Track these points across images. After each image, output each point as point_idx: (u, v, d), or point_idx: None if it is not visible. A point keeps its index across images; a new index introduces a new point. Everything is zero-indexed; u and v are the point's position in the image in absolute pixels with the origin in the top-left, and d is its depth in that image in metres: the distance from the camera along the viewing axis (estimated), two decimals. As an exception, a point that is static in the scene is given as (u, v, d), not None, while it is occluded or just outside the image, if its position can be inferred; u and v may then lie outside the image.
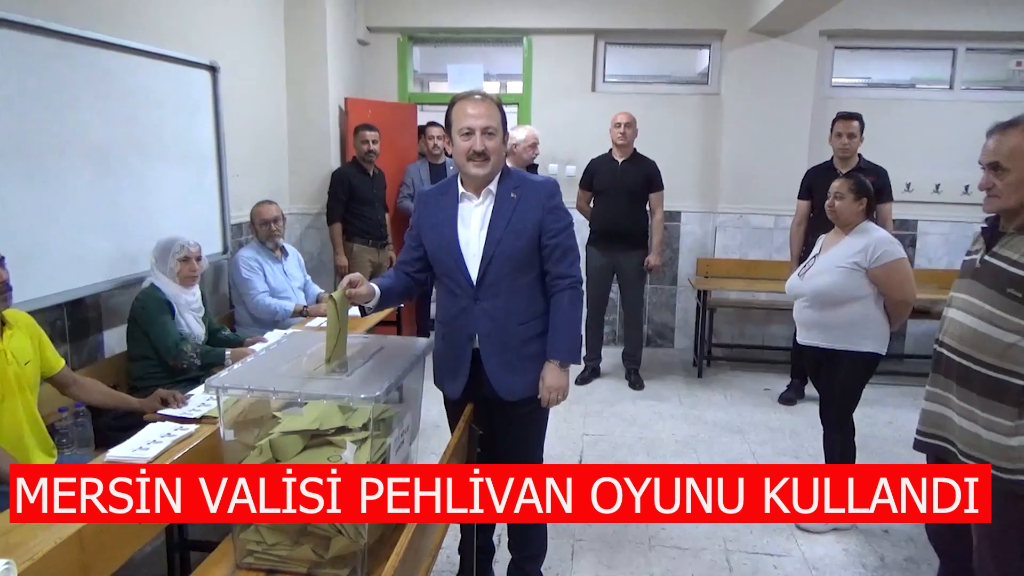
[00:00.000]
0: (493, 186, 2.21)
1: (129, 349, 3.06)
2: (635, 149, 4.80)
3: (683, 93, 5.74)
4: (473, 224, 2.22)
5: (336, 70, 5.14)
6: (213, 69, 3.84)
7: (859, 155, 4.37)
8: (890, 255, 2.91)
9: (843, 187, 3.06)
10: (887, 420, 4.28)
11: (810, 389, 4.44)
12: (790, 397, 4.64)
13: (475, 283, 2.21)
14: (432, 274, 2.36)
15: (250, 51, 4.47)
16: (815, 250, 3.22)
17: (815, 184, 4.44)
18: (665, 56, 6.02)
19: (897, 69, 5.81)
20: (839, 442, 3.07)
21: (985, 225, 2.03)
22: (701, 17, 5.47)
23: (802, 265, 3.21)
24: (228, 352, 3.06)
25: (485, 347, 2.25)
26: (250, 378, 1.87)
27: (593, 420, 4.25)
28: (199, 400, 2.49)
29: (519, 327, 2.23)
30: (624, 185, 4.72)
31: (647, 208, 4.83)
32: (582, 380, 4.91)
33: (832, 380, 3.07)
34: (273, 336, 3.39)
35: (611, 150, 4.82)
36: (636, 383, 4.85)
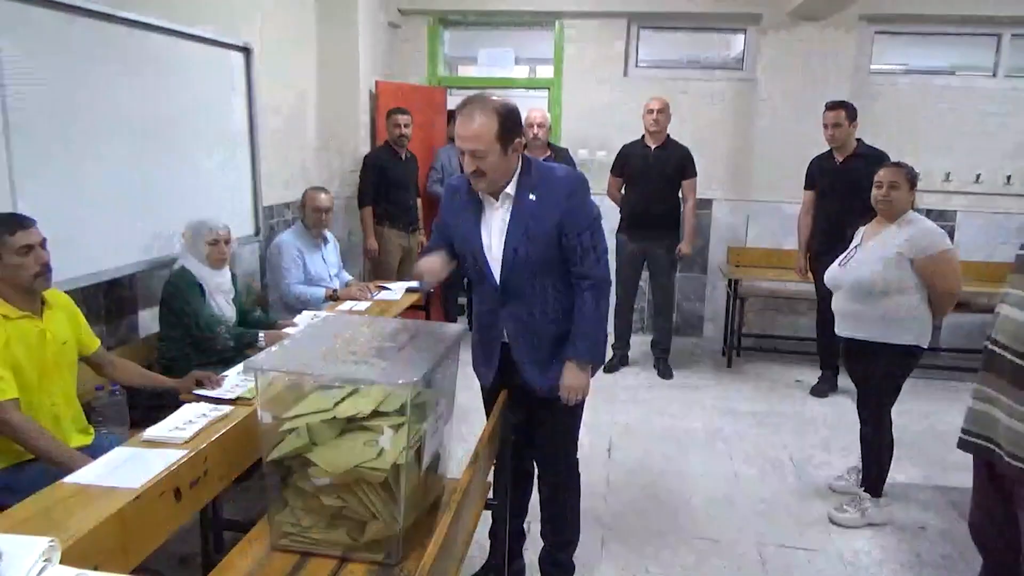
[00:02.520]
0: (511, 188, 2.15)
1: (161, 330, 3.09)
2: (668, 135, 4.73)
3: (717, 79, 5.64)
4: (495, 228, 2.19)
5: (367, 53, 5.12)
6: (247, 51, 3.83)
7: (858, 140, 4.35)
8: (937, 246, 2.84)
9: (899, 176, 2.96)
10: (923, 415, 4.20)
11: (844, 381, 4.41)
12: (823, 389, 4.57)
13: (498, 287, 2.20)
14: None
15: (282, 33, 4.46)
16: (855, 240, 3.15)
17: (816, 173, 4.53)
18: (699, 41, 5.91)
19: (936, 55, 5.66)
20: (876, 436, 3.01)
21: None
22: (737, 0, 5.36)
23: (843, 255, 3.14)
24: (262, 334, 3.07)
25: (515, 345, 2.25)
26: (288, 361, 1.87)
27: (621, 409, 4.22)
28: (233, 381, 2.49)
29: (548, 325, 2.22)
30: (656, 172, 4.66)
31: (679, 195, 4.76)
32: (610, 368, 4.87)
33: (870, 373, 3.01)
34: (303, 319, 3.41)
35: (643, 136, 4.75)
36: (665, 372, 4.81)
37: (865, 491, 3.03)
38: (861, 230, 3.17)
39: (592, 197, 2.25)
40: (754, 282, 5.31)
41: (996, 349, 1.96)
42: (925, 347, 2.95)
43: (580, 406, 2.37)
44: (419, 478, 1.95)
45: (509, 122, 2.06)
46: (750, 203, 5.52)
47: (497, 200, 2.17)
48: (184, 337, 3.01)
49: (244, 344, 3.04)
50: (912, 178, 2.97)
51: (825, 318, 4.52)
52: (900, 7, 5.21)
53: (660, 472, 3.42)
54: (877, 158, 4.18)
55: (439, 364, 1.92)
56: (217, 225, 3.11)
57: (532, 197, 2.13)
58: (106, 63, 2.85)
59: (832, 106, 4.33)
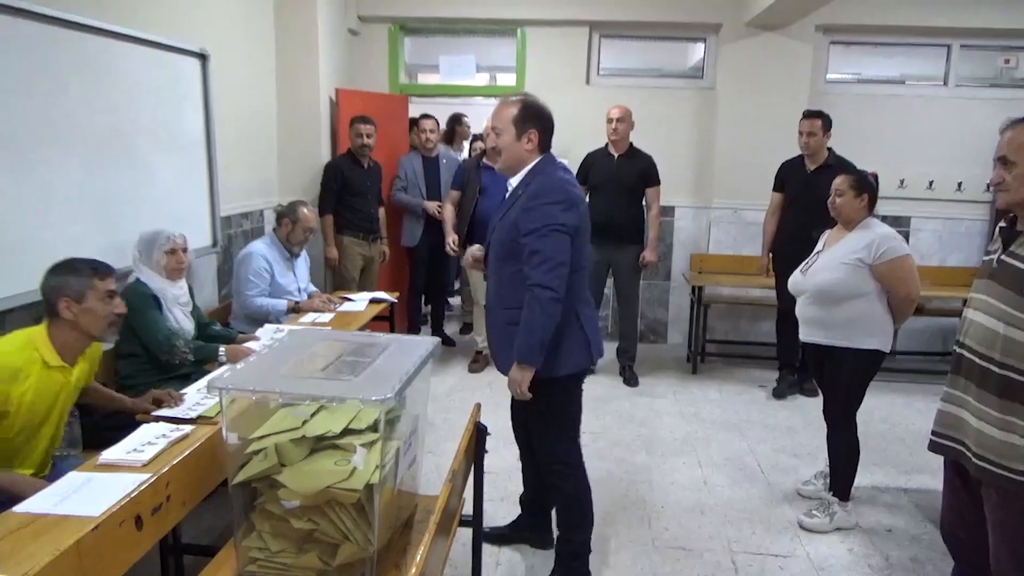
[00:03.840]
0: (515, 180, 2.39)
1: (117, 347, 2.96)
2: (631, 143, 4.74)
3: (678, 87, 5.69)
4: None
5: (327, 60, 5.03)
6: (203, 57, 3.73)
7: (829, 150, 4.46)
8: (894, 251, 2.89)
9: (843, 184, 3.03)
10: (882, 417, 4.27)
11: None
12: (782, 390, 4.66)
13: (487, 262, 2.50)
14: None
15: (239, 39, 4.35)
16: (818, 246, 3.19)
17: (787, 177, 4.60)
18: (658, 49, 5.97)
19: (888, 65, 5.80)
20: (843, 440, 3.04)
21: (1004, 224, 2.00)
22: (697, 10, 5.42)
23: (804, 262, 3.18)
24: (222, 348, 2.97)
25: (488, 319, 2.53)
26: (253, 378, 1.80)
27: (589, 417, 4.14)
28: (193, 399, 2.40)
29: (502, 311, 2.39)
30: (620, 180, 4.67)
31: (643, 203, 4.78)
32: (576, 376, 4.85)
33: (835, 378, 3.04)
34: (265, 332, 3.31)
35: (607, 144, 4.76)
36: (631, 379, 4.81)
37: (833, 495, 3.06)
38: (826, 234, 3.21)
39: (567, 211, 2.26)
40: (717, 288, 5.36)
41: (964, 352, 1.98)
42: (887, 351, 2.99)
43: (552, 407, 2.45)
44: (392, 497, 1.89)
45: (527, 113, 2.32)
46: (711, 210, 5.58)
47: (510, 188, 2.44)
48: (142, 354, 2.89)
49: (203, 359, 2.93)
50: (859, 185, 3.01)
51: (784, 320, 4.67)
52: (855, 18, 5.32)
53: (630, 482, 3.40)
54: (847, 169, 4.21)
55: (413, 378, 1.87)
56: (174, 234, 3.00)
57: (520, 192, 2.34)
58: (56, 68, 2.73)
59: (809, 115, 4.41)
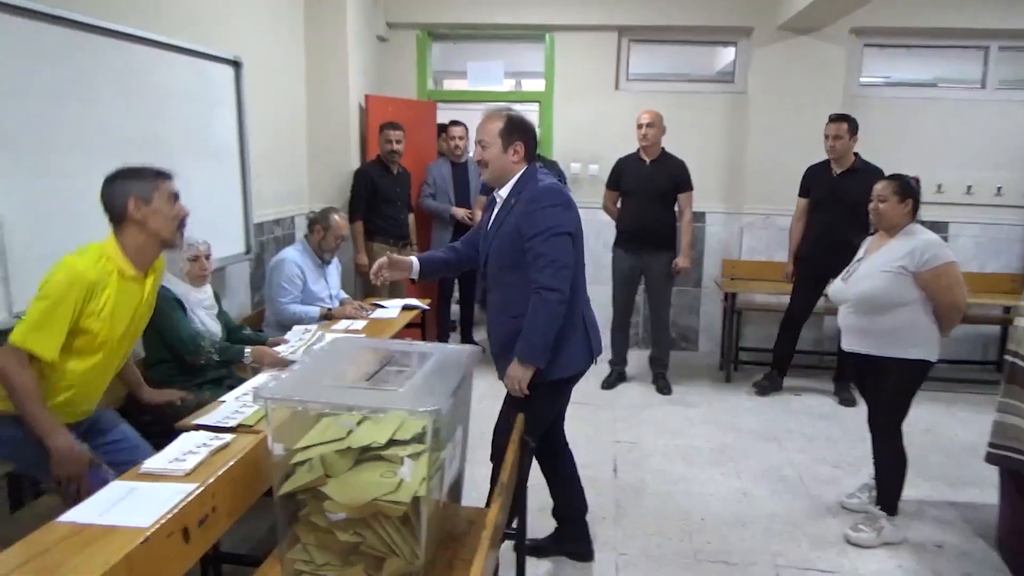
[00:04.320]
0: (504, 191, 2.43)
1: (146, 354, 2.95)
2: (663, 148, 4.68)
3: (708, 91, 5.62)
4: (489, 223, 2.50)
5: (356, 66, 5.03)
6: (236, 64, 3.73)
7: (855, 154, 4.41)
8: (939, 258, 2.80)
9: (886, 189, 2.94)
10: (924, 428, 4.16)
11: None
12: (765, 387, 4.74)
13: (484, 275, 2.52)
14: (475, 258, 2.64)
15: (270, 47, 4.36)
16: (859, 253, 3.12)
17: (812, 182, 4.56)
18: (686, 54, 5.91)
19: (922, 68, 5.70)
20: (889, 452, 2.96)
21: None
22: (728, 14, 5.36)
23: (845, 270, 3.11)
24: (248, 350, 2.94)
25: (489, 330, 2.55)
26: (298, 388, 1.77)
27: (623, 426, 4.14)
28: (232, 408, 2.38)
29: (511, 320, 2.39)
30: (652, 185, 4.61)
31: (675, 209, 4.72)
32: (608, 385, 4.80)
33: (880, 388, 2.96)
34: (293, 334, 3.28)
35: (638, 150, 4.71)
36: (664, 388, 4.74)
37: (880, 509, 2.97)
38: (867, 241, 3.13)
39: (566, 211, 2.34)
40: (749, 295, 5.27)
41: (1017, 361, 1.91)
42: (935, 360, 2.91)
43: (527, 401, 2.40)
44: (438, 509, 1.85)
45: (512, 126, 2.39)
46: (743, 215, 5.49)
47: (499, 200, 2.46)
48: (170, 359, 2.88)
49: (228, 360, 2.91)
50: (902, 191, 2.92)
51: (788, 324, 4.73)
52: (890, 20, 5.23)
53: (668, 493, 3.34)
54: (873, 173, 4.24)
55: (459, 389, 1.83)
56: (197, 240, 2.98)
57: (513, 201, 2.38)
58: (91, 75, 2.73)
59: (835, 118, 4.37)
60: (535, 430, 2.46)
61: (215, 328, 3.05)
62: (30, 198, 2.46)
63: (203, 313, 3.01)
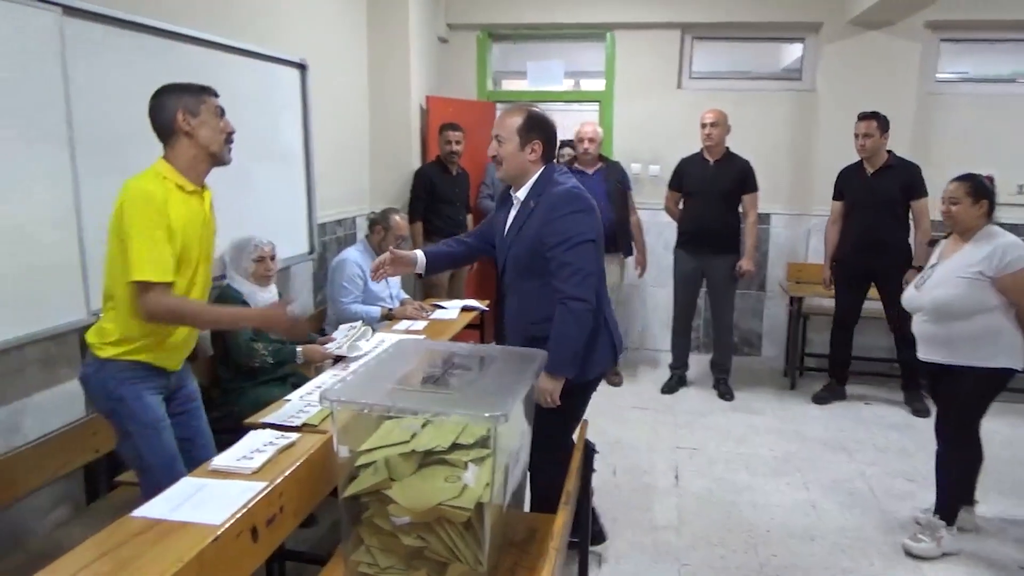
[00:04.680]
0: (522, 193, 2.35)
1: (214, 350, 3.01)
2: (727, 148, 4.57)
3: (774, 89, 5.47)
4: (506, 226, 2.43)
5: (417, 68, 5.06)
6: (302, 67, 3.78)
7: (889, 152, 4.27)
8: (1021, 261, 2.65)
9: (958, 191, 2.79)
10: (1004, 441, 3.95)
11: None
12: (824, 396, 4.57)
13: (501, 278, 2.46)
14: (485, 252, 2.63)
15: (334, 49, 4.42)
16: (932, 259, 2.97)
17: (845, 184, 4.45)
18: (750, 51, 5.76)
19: (1001, 62, 5.42)
20: (955, 460, 2.85)
21: None
22: (796, 9, 5.20)
23: (919, 276, 2.97)
24: (299, 349, 2.99)
25: (506, 334, 2.48)
26: (364, 391, 1.77)
27: (685, 432, 4.05)
28: (296, 407, 2.41)
29: (529, 326, 2.34)
30: (715, 186, 4.51)
31: (739, 210, 4.60)
32: (668, 389, 4.71)
33: (952, 393, 2.83)
34: (340, 332, 3.29)
35: (702, 150, 4.61)
36: (726, 393, 4.63)
37: (939, 518, 2.85)
38: (941, 244, 2.98)
39: (588, 217, 2.26)
40: (816, 299, 5.10)
41: None
42: (1020, 369, 2.76)
43: (569, 403, 2.33)
44: (501, 515, 1.83)
45: (531, 123, 2.31)
46: (811, 217, 5.32)
47: (514, 201, 2.39)
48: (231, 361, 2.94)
49: (282, 360, 2.96)
50: (976, 191, 2.77)
51: (839, 329, 4.59)
52: (967, 13, 4.99)
53: (732, 502, 3.25)
54: (908, 169, 4.24)
55: (524, 393, 1.81)
56: (262, 241, 3.04)
57: (532, 204, 2.31)
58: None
59: (864, 116, 4.26)
60: (567, 433, 2.44)
61: None
62: (107, 198, 2.52)
63: None
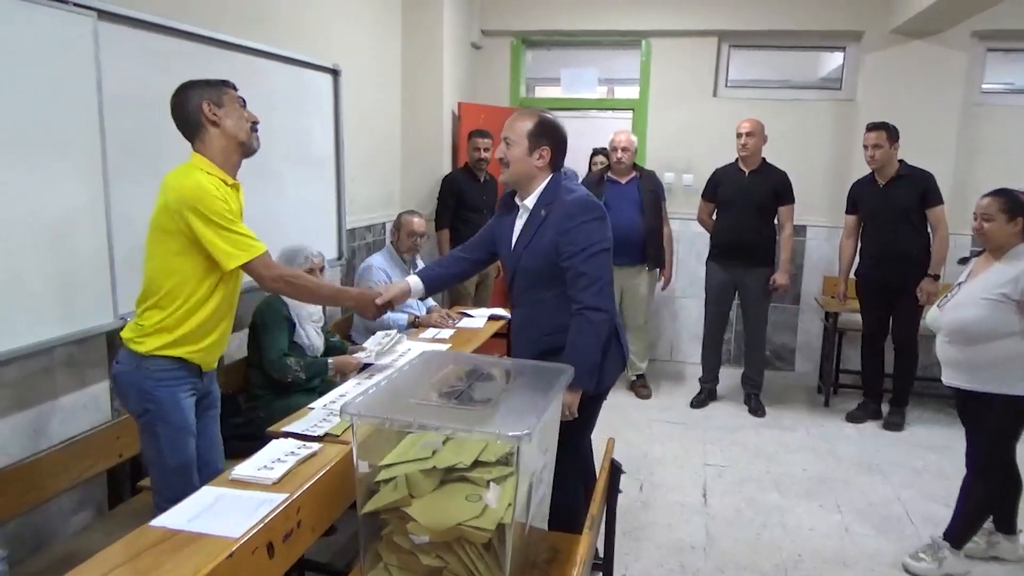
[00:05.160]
0: (530, 201, 2.29)
1: (248, 355, 3.02)
2: (764, 159, 4.48)
3: (812, 99, 5.36)
4: (514, 234, 2.36)
5: (450, 74, 5.05)
6: (335, 72, 3.79)
7: (900, 161, 4.20)
8: None
9: (991, 206, 2.66)
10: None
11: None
12: (859, 415, 4.44)
13: (510, 289, 2.40)
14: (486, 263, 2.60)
15: (367, 55, 4.42)
16: (961, 276, 2.84)
17: (858, 197, 4.38)
18: (788, 59, 5.64)
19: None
20: (982, 491, 2.73)
21: None
22: (837, 18, 5.09)
23: (944, 294, 2.84)
24: (331, 361, 2.97)
25: (515, 344, 2.43)
26: (385, 405, 1.74)
27: (714, 449, 3.96)
28: (319, 415, 2.38)
29: (543, 337, 2.29)
30: (751, 197, 4.42)
31: (775, 222, 4.50)
32: (698, 403, 4.62)
33: (980, 422, 2.71)
34: (372, 341, 3.27)
35: (737, 160, 4.52)
36: (757, 409, 4.53)
37: (945, 539, 2.77)
38: (972, 262, 2.85)
39: (603, 225, 2.22)
40: (852, 315, 4.97)
41: None
42: None
43: (585, 414, 2.30)
44: (523, 536, 1.78)
45: (542, 128, 2.25)
46: (848, 230, 5.19)
47: (521, 209, 2.33)
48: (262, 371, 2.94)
49: (314, 376, 2.93)
50: (1012, 208, 2.63)
51: (868, 345, 4.47)
52: (1016, 22, 4.84)
53: (762, 524, 3.16)
54: (921, 177, 4.13)
55: (548, 410, 1.76)
56: (313, 252, 3.02)
57: (543, 213, 2.25)
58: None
59: (872, 127, 4.17)
60: (580, 445, 2.40)
61: (318, 343, 3.08)
62: (138, 202, 2.54)
63: (311, 327, 3.05)
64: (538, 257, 2.25)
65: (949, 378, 2.77)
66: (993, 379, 2.62)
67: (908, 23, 4.72)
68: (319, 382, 3.01)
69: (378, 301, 2.46)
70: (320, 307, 3.10)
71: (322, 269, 3.04)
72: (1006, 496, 2.81)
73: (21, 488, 2.11)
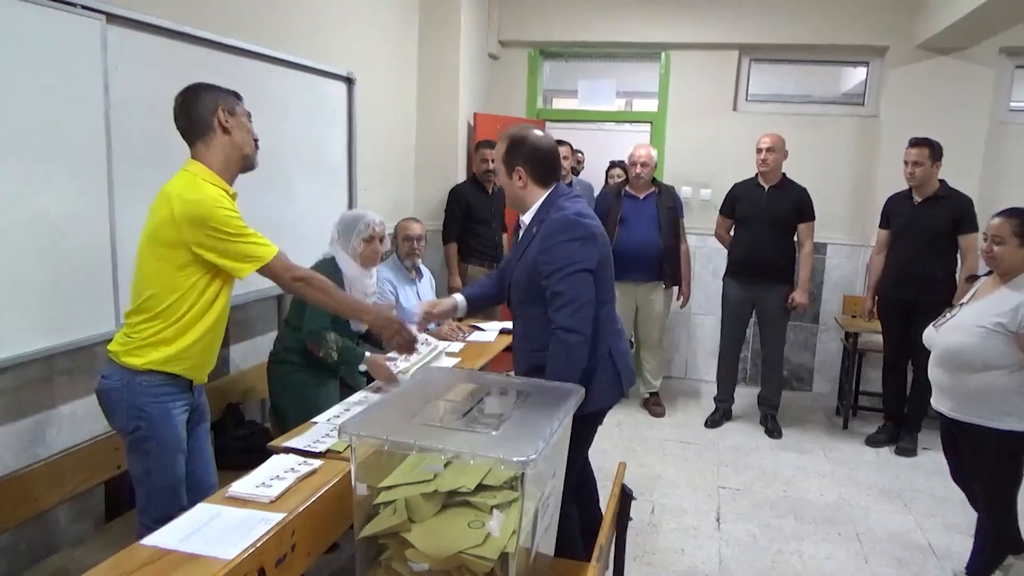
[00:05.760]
0: (527, 217, 2.25)
1: (290, 315, 2.89)
2: (784, 174, 4.39)
3: (834, 114, 5.26)
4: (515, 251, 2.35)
5: (467, 84, 5.01)
6: (349, 81, 3.75)
7: (941, 181, 4.05)
8: None
9: (1003, 228, 2.53)
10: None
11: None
12: (878, 439, 4.31)
13: (509, 302, 2.38)
14: None
15: (383, 63, 4.39)
16: (965, 296, 2.73)
17: (892, 212, 4.25)
18: (810, 74, 5.55)
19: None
20: (996, 532, 2.64)
21: None
22: (860, 32, 5.00)
23: (943, 314, 2.74)
24: (368, 355, 2.78)
25: (515, 360, 2.40)
26: (387, 425, 1.67)
27: (728, 471, 3.86)
28: (323, 430, 2.32)
29: (533, 353, 2.25)
30: (770, 213, 4.33)
31: (794, 239, 4.41)
32: (712, 423, 4.52)
33: (979, 461, 2.61)
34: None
35: (756, 175, 4.43)
36: (773, 430, 4.42)
37: (968, 574, 2.68)
38: (980, 281, 2.74)
39: (585, 245, 2.13)
40: (873, 336, 4.85)
41: None
42: None
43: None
44: (528, 564, 1.70)
45: (512, 148, 2.20)
46: (869, 248, 5.06)
47: (522, 224, 2.31)
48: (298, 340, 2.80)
49: (345, 360, 2.76)
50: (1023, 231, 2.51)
51: (890, 368, 4.34)
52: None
53: (778, 552, 3.05)
54: (959, 201, 3.99)
55: (556, 433, 1.68)
56: (374, 219, 2.90)
57: (535, 230, 2.21)
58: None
59: (915, 143, 4.03)
60: (570, 469, 2.24)
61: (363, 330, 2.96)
62: (143, 209, 2.48)
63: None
64: (523, 273, 2.23)
65: (937, 403, 2.69)
66: (978, 410, 2.52)
67: (934, 39, 4.63)
68: (346, 370, 2.89)
69: (429, 309, 2.46)
70: (375, 279, 2.99)
71: (382, 239, 2.91)
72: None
73: (16, 499, 2.06)
